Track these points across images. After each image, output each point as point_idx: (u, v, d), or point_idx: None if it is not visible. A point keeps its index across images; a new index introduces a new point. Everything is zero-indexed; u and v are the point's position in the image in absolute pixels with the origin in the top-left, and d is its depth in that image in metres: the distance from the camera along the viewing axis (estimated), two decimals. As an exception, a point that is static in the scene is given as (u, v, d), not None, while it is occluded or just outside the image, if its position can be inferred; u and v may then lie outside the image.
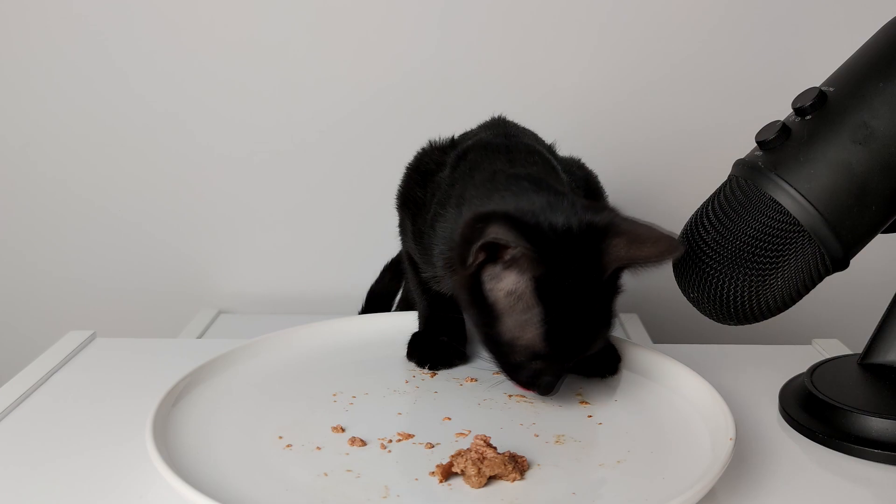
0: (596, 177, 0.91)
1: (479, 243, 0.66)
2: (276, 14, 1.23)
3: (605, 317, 0.71)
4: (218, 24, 1.24)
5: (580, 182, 0.87)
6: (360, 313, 1.06)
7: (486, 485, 0.64)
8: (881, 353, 0.79)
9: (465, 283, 0.71)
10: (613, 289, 0.71)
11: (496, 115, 0.91)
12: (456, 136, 0.89)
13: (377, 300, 1.09)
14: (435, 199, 0.81)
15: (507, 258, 0.69)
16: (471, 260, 0.68)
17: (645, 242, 0.68)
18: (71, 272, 1.33)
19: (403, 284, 1.09)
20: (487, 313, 0.71)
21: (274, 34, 1.24)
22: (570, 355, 0.72)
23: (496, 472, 0.64)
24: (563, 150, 0.91)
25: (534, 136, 0.88)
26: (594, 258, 0.68)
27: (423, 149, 0.90)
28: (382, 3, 1.23)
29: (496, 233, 0.65)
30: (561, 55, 1.23)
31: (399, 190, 0.89)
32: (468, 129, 0.90)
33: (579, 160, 0.92)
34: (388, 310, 1.08)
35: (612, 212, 0.71)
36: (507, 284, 0.70)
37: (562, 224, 0.68)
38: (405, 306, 1.05)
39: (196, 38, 1.24)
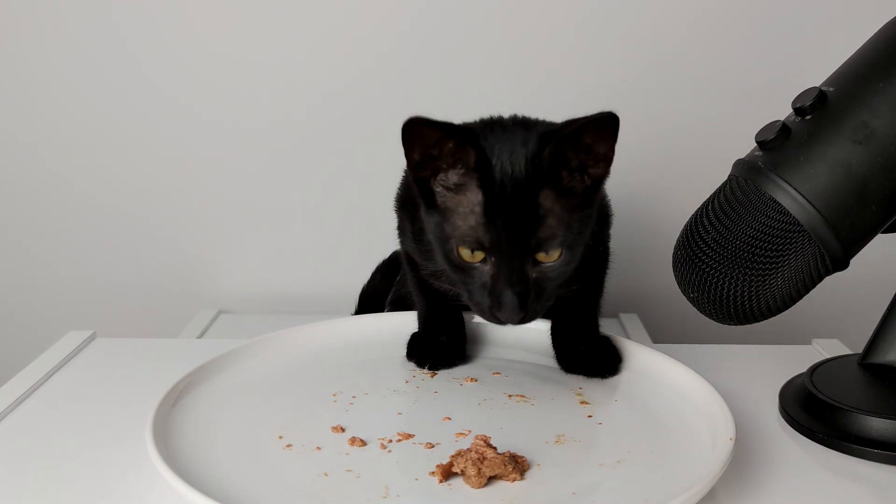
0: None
1: (404, 127, 0.70)
2: (276, 21, 1.23)
3: (545, 218, 0.71)
4: (219, 28, 1.24)
5: None
6: (353, 315, 1.06)
7: (486, 485, 0.64)
8: (881, 353, 0.79)
9: (421, 194, 0.75)
10: (570, 199, 0.73)
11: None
12: None
13: (370, 301, 1.09)
14: None
15: (448, 157, 0.72)
16: (412, 159, 0.73)
17: (584, 133, 0.71)
18: (71, 272, 1.33)
19: (395, 286, 1.09)
20: (440, 216, 0.74)
21: (274, 38, 1.24)
22: (512, 243, 0.71)
23: (496, 472, 0.64)
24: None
25: None
26: (536, 160, 0.71)
27: None
28: (379, 4, 1.23)
29: (418, 120, 0.69)
30: (559, 55, 1.23)
31: (398, 193, 0.89)
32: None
33: None
34: (381, 310, 1.08)
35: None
36: (451, 179, 0.73)
37: (502, 130, 0.75)
38: (396, 307, 1.05)
39: (197, 38, 1.24)
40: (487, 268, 0.73)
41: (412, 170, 0.74)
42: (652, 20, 1.22)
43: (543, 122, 0.77)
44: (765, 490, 0.67)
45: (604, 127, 0.70)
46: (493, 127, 0.76)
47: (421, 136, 0.71)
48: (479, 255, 0.73)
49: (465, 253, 0.73)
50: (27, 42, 1.24)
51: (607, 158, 0.73)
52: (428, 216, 0.76)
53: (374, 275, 1.11)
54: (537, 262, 0.72)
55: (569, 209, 0.72)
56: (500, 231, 0.71)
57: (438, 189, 0.74)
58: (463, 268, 0.74)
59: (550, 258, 0.73)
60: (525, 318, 0.73)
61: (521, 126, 0.76)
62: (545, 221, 0.71)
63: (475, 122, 0.79)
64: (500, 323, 0.74)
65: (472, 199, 0.72)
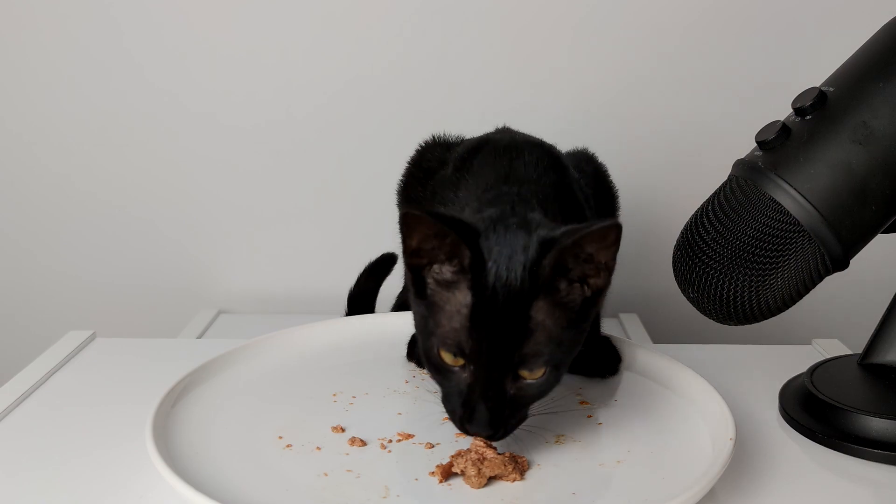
0: (605, 170, 0.89)
1: (400, 217, 0.65)
2: (277, 19, 1.23)
3: (535, 333, 0.65)
4: (220, 27, 1.24)
5: (589, 178, 0.86)
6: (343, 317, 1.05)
7: (486, 485, 0.64)
8: (881, 353, 0.79)
9: (413, 282, 0.69)
10: (562, 312, 0.67)
11: (500, 126, 0.90)
12: (463, 138, 0.88)
13: (356, 303, 1.08)
14: (436, 199, 0.81)
15: (444, 255, 0.66)
16: (408, 245, 0.67)
17: (585, 243, 0.64)
18: (71, 272, 1.33)
19: (400, 291, 1.08)
20: (428, 309, 0.68)
21: (274, 37, 1.24)
22: (493, 356, 0.65)
23: (496, 472, 0.64)
24: (563, 149, 0.91)
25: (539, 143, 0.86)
26: (534, 268, 0.65)
27: (426, 142, 0.89)
28: (380, 3, 1.23)
29: (411, 210, 0.64)
30: (559, 54, 1.23)
31: (399, 186, 0.88)
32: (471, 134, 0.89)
33: (586, 150, 0.90)
34: (369, 311, 1.07)
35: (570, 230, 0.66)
36: (445, 275, 0.67)
37: (503, 230, 0.67)
38: (398, 307, 1.05)
39: (198, 38, 1.24)
40: (465, 375, 0.67)
41: (406, 255, 0.68)
42: (652, 20, 1.22)
43: (545, 221, 0.70)
44: (765, 490, 0.67)
45: (606, 236, 0.64)
46: (494, 222, 0.69)
47: (420, 225, 0.65)
48: (460, 361, 0.67)
49: (447, 356, 0.67)
50: (27, 41, 1.24)
51: (608, 268, 0.68)
52: (416, 305, 0.71)
53: (359, 277, 1.08)
54: (518, 377, 0.67)
55: (561, 324, 0.67)
56: (483, 340, 0.65)
57: (430, 280, 0.68)
58: (441, 369, 0.69)
59: (533, 375, 0.67)
60: (495, 436, 0.67)
61: (523, 226, 0.68)
62: (533, 336, 0.65)
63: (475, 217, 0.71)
64: (469, 434, 0.68)
65: (461, 300, 0.66)
